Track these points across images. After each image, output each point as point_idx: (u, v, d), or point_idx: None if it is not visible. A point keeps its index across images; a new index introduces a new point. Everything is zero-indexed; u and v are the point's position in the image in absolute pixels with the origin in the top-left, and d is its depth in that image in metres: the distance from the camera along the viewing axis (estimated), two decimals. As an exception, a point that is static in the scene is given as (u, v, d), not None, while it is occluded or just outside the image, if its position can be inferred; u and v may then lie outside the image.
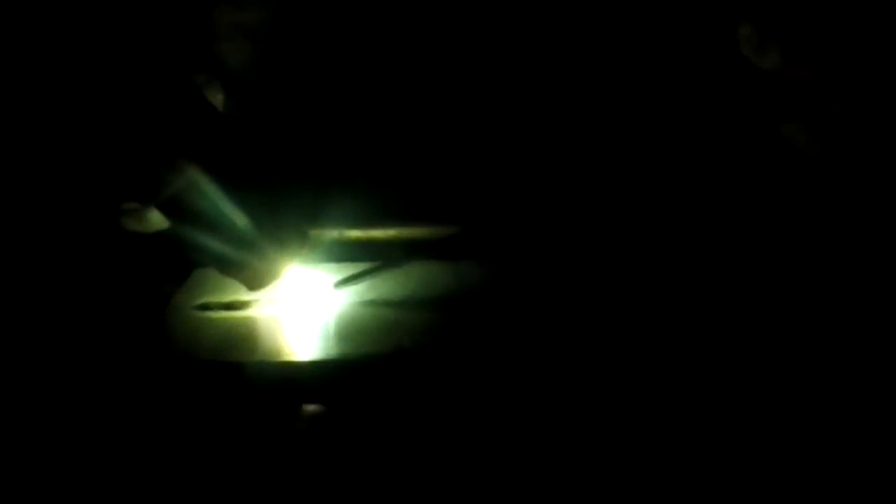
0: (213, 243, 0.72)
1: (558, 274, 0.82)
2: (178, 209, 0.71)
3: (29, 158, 0.77)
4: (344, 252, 0.85)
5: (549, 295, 0.80)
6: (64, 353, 0.74)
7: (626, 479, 0.64)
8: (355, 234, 0.86)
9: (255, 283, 0.76)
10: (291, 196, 0.76)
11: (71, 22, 0.70)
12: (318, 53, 0.87)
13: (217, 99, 0.76)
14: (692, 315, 0.75)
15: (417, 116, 0.89)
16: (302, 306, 0.80)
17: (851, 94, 0.74)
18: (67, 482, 0.66)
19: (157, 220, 0.73)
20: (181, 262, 0.83)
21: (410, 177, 0.88)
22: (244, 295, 0.80)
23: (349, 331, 0.75)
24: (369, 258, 0.83)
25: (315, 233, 0.79)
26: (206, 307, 0.79)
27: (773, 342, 0.71)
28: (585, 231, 0.85)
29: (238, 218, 0.72)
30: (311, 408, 0.69)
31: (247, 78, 0.81)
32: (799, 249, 0.79)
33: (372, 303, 0.79)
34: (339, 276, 0.81)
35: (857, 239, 0.78)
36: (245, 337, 0.75)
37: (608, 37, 0.89)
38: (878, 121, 0.74)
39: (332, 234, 0.85)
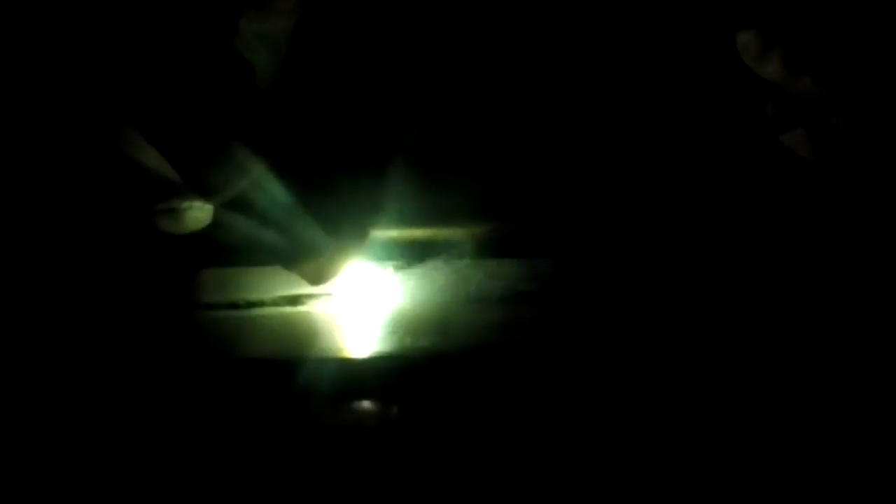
0: (276, 240, 0.73)
1: (627, 269, 0.83)
2: (243, 207, 0.72)
3: (74, 158, 0.77)
4: (404, 249, 0.85)
5: (618, 291, 0.81)
6: (79, 352, 0.73)
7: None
8: (417, 231, 0.87)
9: (317, 279, 0.77)
10: (352, 193, 0.77)
11: (120, 26, 0.69)
12: (371, 54, 0.87)
13: (273, 99, 0.76)
14: (691, 320, 0.76)
15: (479, 115, 0.90)
16: (360, 302, 0.81)
17: (853, 104, 0.75)
18: (79, 483, 0.66)
19: (193, 220, 0.73)
20: (185, 262, 0.83)
21: (473, 174, 0.89)
22: (252, 294, 0.80)
23: (407, 327, 0.76)
24: (429, 256, 0.84)
25: (375, 230, 0.79)
26: (218, 306, 0.80)
27: (774, 348, 0.72)
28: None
29: (300, 215, 0.72)
30: (364, 405, 0.70)
31: (301, 78, 0.81)
32: (801, 257, 0.82)
33: (431, 300, 0.81)
34: (399, 273, 0.83)
35: (860, 246, 0.80)
36: (302, 333, 0.77)
37: (607, 45, 0.90)
38: (880, 130, 0.76)
39: (393, 231, 0.85)
